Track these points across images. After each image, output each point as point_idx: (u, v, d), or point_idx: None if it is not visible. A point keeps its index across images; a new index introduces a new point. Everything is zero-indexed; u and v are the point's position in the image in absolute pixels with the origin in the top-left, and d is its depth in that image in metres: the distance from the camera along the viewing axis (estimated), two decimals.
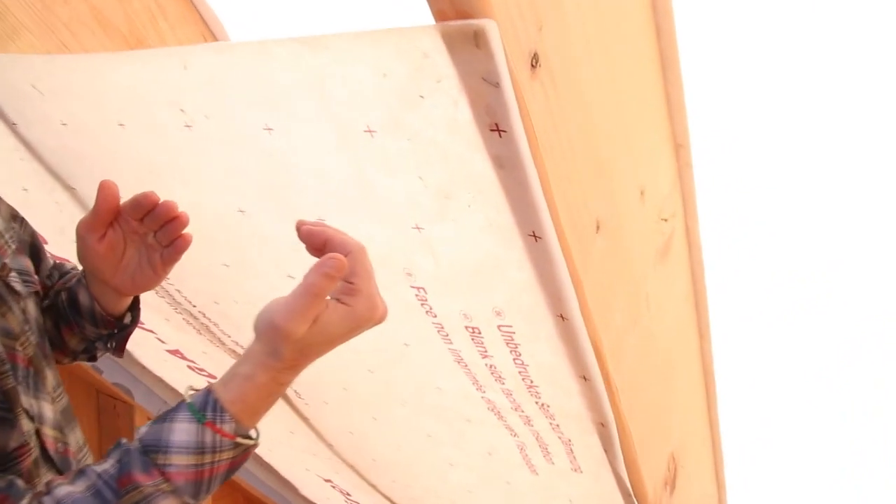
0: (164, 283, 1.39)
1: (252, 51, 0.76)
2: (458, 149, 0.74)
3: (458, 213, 0.82)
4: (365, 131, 0.77)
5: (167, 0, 1.26)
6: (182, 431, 0.73)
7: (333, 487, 2.01)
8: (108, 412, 2.00)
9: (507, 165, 0.73)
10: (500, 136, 0.70)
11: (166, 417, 0.75)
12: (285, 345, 0.73)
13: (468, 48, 0.64)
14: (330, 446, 1.75)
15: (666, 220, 1.18)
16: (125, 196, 1.17)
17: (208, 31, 1.32)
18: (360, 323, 0.75)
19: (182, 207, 1.11)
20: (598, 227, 0.89)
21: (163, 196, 1.11)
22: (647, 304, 1.14)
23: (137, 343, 1.74)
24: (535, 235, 0.80)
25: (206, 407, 0.74)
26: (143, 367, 1.86)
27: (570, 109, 0.78)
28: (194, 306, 1.39)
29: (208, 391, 0.75)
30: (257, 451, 2.10)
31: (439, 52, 0.65)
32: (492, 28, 0.62)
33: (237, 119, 0.87)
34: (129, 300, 1.07)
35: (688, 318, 1.44)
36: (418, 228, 0.87)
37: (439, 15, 0.64)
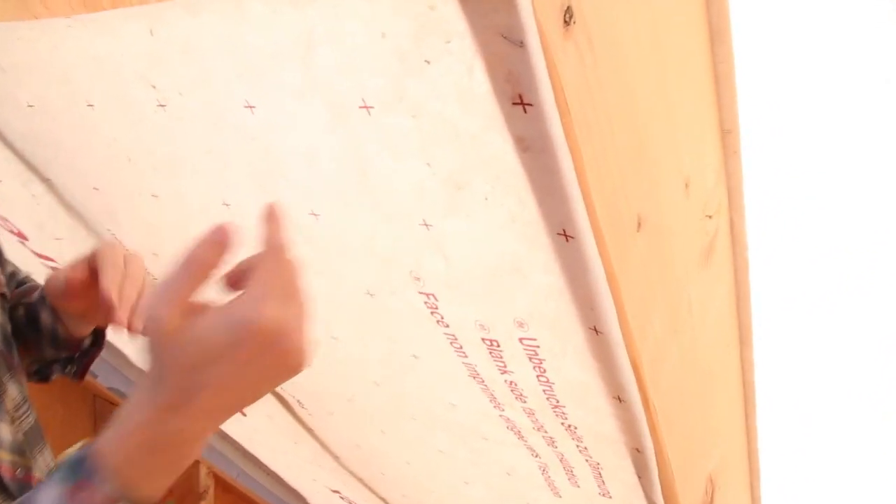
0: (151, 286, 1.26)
1: (225, 8, 0.63)
2: (472, 127, 0.60)
3: (473, 206, 0.68)
4: (361, 107, 0.64)
5: None
6: (47, 498, 0.54)
7: (342, 499, 1.88)
8: (105, 418, 1.89)
9: (533, 148, 0.59)
10: (524, 110, 0.56)
11: (42, 482, 0.57)
12: (161, 350, 0.54)
13: None
14: (336, 458, 1.62)
15: (710, 217, 1.03)
16: (107, 178, 1.05)
17: None
18: (241, 332, 0.53)
19: (163, 199, 0.98)
20: (639, 225, 0.75)
21: (143, 186, 0.99)
22: (690, 310, 0.99)
23: (130, 344, 1.62)
24: (565, 234, 0.66)
25: (81, 463, 0.54)
26: (141, 371, 1.74)
27: (610, 78, 0.63)
28: None
29: (90, 442, 0.56)
30: (261, 458, 1.98)
31: (448, 2, 0.52)
32: None
33: (214, 95, 0.74)
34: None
35: (729, 321, 1.29)
36: (426, 225, 0.73)
37: None
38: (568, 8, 0.55)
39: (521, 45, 0.51)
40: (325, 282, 0.92)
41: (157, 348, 0.55)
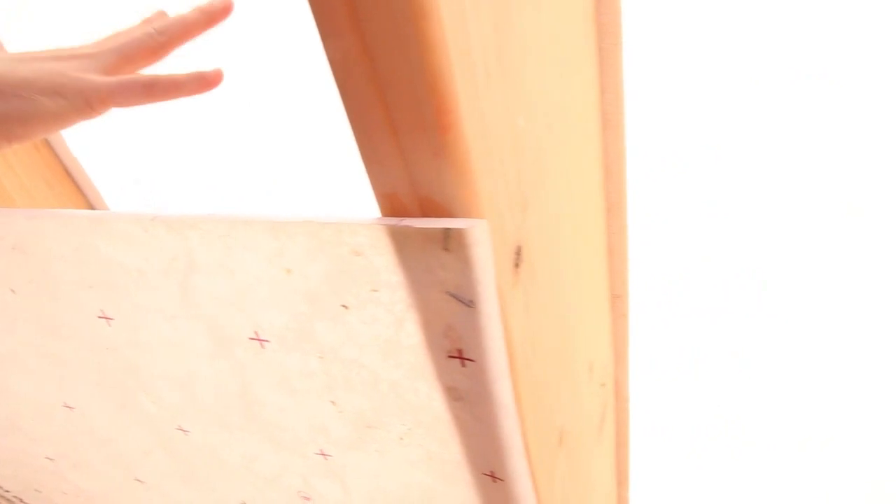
0: None
1: (75, 222, 0.47)
2: (394, 376, 0.47)
3: (384, 444, 0.54)
4: (252, 339, 0.49)
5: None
6: None
7: None
8: None
9: (467, 398, 0.47)
10: (462, 364, 0.44)
11: None
12: None
13: (430, 251, 0.37)
14: None
15: (604, 385, 0.95)
16: None
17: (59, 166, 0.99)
18: None
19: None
20: (560, 440, 0.64)
21: None
22: (593, 492, 0.89)
23: None
24: (493, 476, 0.54)
25: None
26: None
27: (548, 311, 0.53)
28: (7, 491, 1.02)
29: None
30: None
31: (379, 251, 0.39)
32: (477, 229, 0.36)
33: (58, 300, 0.56)
34: None
35: (610, 477, 1.21)
36: (324, 455, 0.58)
37: (387, 203, 0.37)
38: (518, 249, 0.43)
39: (471, 304, 0.39)
40: (189, 491, 0.74)
41: None
